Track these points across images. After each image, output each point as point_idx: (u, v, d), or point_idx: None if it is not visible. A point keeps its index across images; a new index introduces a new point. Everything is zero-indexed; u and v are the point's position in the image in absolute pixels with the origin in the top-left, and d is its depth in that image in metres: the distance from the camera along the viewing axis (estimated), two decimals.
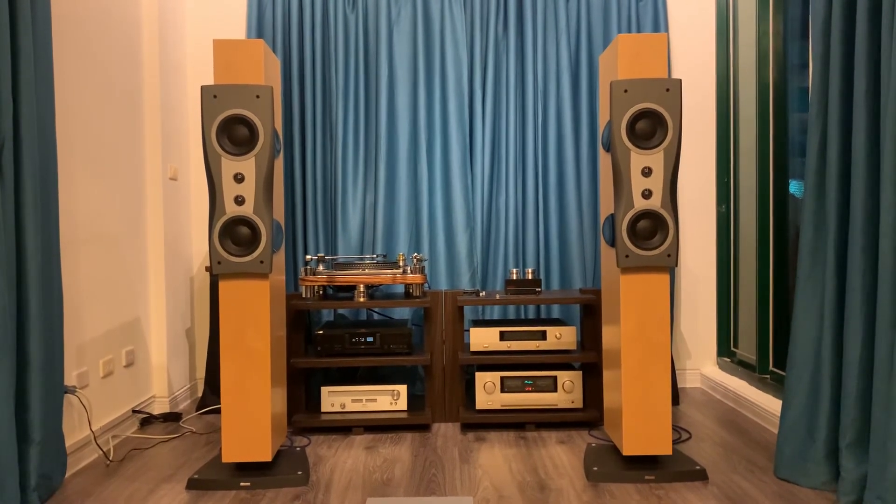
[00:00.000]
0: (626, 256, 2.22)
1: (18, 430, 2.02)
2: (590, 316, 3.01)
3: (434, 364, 3.00)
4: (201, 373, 3.56)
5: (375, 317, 3.40)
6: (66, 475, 2.36)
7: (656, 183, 2.20)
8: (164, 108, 3.20)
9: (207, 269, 3.42)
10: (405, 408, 2.95)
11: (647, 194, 2.20)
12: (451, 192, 3.45)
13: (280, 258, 2.45)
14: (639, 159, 2.20)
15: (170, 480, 2.36)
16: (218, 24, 3.57)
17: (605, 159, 2.41)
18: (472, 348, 2.96)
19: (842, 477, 2.04)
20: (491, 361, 2.92)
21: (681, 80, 2.19)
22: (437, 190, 3.46)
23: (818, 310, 2.22)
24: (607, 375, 2.50)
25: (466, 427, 2.94)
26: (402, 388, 2.95)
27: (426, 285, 3.14)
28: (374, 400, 2.94)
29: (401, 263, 3.02)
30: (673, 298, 3.54)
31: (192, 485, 2.28)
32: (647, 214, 2.21)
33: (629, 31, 3.47)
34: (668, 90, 2.18)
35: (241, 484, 2.27)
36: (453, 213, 3.45)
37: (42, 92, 2.14)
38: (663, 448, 2.29)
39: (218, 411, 3.17)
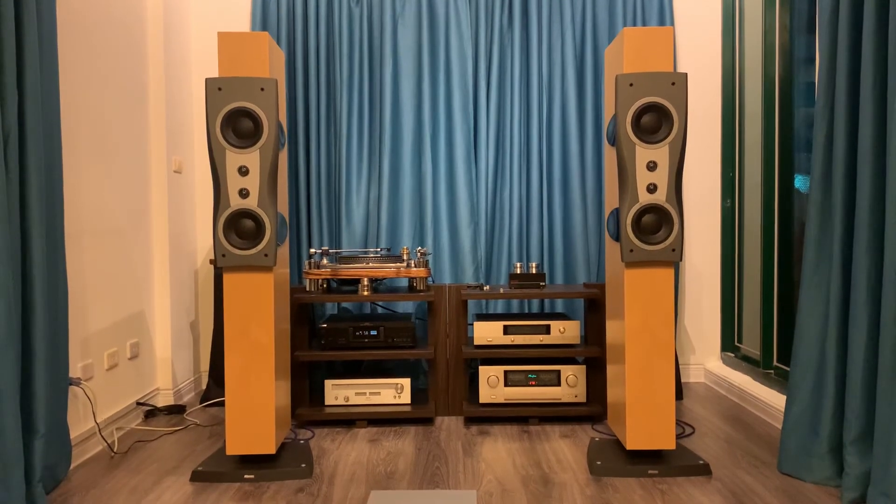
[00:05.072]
0: (631, 251, 2.22)
1: (24, 422, 2.03)
2: (594, 310, 3.01)
3: (438, 358, 3.00)
4: (205, 365, 3.57)
5: (379, 310, 3.41)
6: (71, 467, 2.37)
7: (661, 177, 2.19)
8: (168, 101, 3.20)
9: (212, 261, 3.42)
10: (409, 401, 2.95)
11: (651, 189, 2.20)
12: (456, 186, 3.45)
13: (284, 251, 2.45)
14: (644, 153, 2.19)
15: (174, 472, 2.37)
16: (222, 16, 3.57)
17: (609, 153, 2.40)
18: (476, 342, 2.96)
19: (846, 473, 2.03)
20: (494, 355, 2.92)
21: (686, 74, 2.18)
22: (441, 184, 3.45)
23: (823, 305, 2.21)
24: (611, 370, 2.50)
25: (470, 421, 2.95)
26: (406, 382, 2.96)
27: (430, 279, 3.14)
28: (378, 393, 2.95)
29: (405, 257, 3.01)
30: (677, 293, 3.54)
31: (197, 477, 2.29)
32: (651, 209, 2.21)
33: (634, 24, 3.45)
34: (673, 84, 2.17)
35: (245, 476, 2.28)
36: (457, 207, 3.44)
37: (47, 84, 2.14)
38: (667, 443, 2.29)
39: (222, 404, 3.18)
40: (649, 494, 2.13)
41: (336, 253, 3.23)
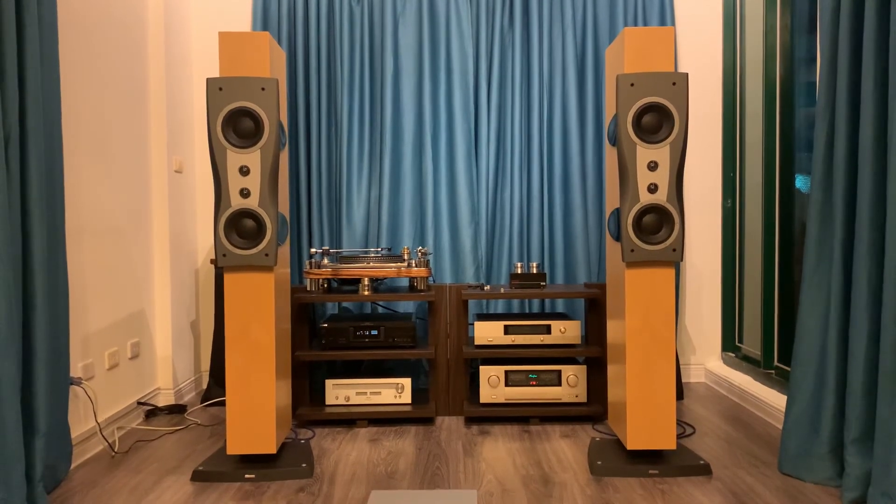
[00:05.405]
0: (632, 251, 2.22)
1: (24, 422, 2.03)
2: (594, 310, 3.01)
3: (438, 357, 3.00)
4: (206, 365, 3.57)
5: (380, 310, 3.41)
6: (72, 466, 2.38)
7: (662, 177, 2.19)
8: (169, 101, 3.20)
9: (212, 261, 3.42)
10: (409, 401, 2.95)
11: (652, 188, 2.20)
12: (456, 185, 3.44)
13: (285, 251, 2.45)
14: (645, 153, 2.19)
15: (175, 472, 2.37)
16: (223, 16, 3.57)
17: (610, 153, 2.40)
18: (477, 342, 2.96)
19: (846, 473, 2.03)
20: (495, 355, 2.92)
21: (687, 74, 2.18)
22: (441, 183, 3.45)
23: (824, 305, 2.21)
24: (612, 370, 2.50)
25: (470, 421, 2.95)
26: (407, 382, 2.96)
27: (431, 279, 3.14)
28: (379, 393, 2.95)
29: (405, 257, 3.01)
30: (678, 293, 3.54)
31: (197, 476, 2.29)
32: (652, 209, 2.21)
33: (635, 24, 3.45)
34: (674, 84, 2.17)
35: (246, 476, 2.28)
36: (458, 206, 3.44)
37: (48, 84, 2.14)
38: (667, 443, 2.28)
39: (223, 403, 3.18)
40: (650, 494, 2.13)
41: (337, 253, 3.23)
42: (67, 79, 2.45)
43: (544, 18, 3.44)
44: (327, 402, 2.94)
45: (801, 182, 3.05)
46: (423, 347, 2.98)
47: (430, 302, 3.01)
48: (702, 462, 2.31)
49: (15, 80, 1.94)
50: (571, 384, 2.92)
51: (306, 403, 2.97)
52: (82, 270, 2.55)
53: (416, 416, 2.90)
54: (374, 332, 2.94)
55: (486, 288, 3.04)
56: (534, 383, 2.92)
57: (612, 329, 2.49)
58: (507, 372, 2.92)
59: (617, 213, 2.29)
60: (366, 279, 2.96)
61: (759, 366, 3.25)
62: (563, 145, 3.47)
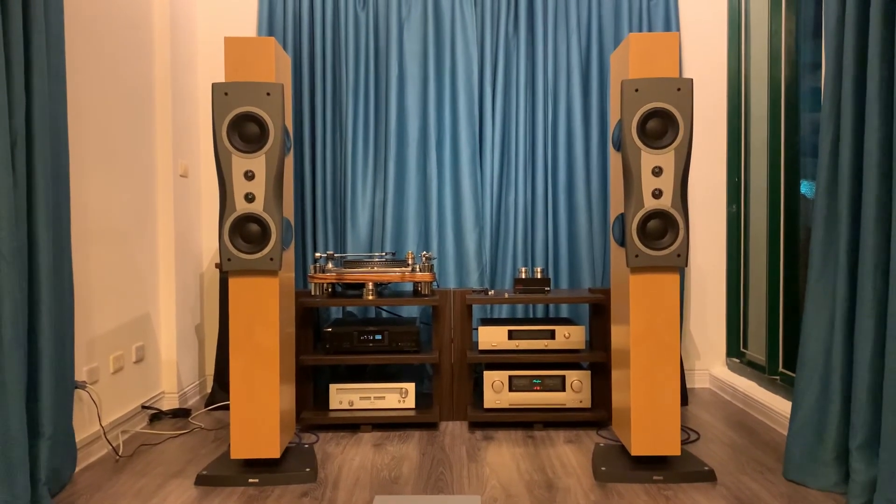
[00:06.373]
0: (636, 256, 2.22)
1: (29, 425, 2.03)
2: (598, 315, 3.01)
3: (442, 362, 3.00)
4: (210, 369, 3.58)
5: (384, 315, 3.41)
6: (76, 469, 2.38)
7: (667, 182, 2.19)
8: (175, 106, 3.21)
9: (217, 265, 3.43)
10: (413, 406, 2.95)
11: (657, 194, 2.19)
12: (461, 190, 3.45)
13: (289, 255, 2.45)
14: (649, 159, 2.19)
15: (178, 476, 2.37)
16: (229, 21, 3.58)
17: (615, 158, 2.40)
18: (481, 347, 2.95)
19: (851, 479, 2.02)
20: (499, 360, 2.92)
21: (692, 80, 2.18)
22: (446, 188, 3.46)
23: (829, 311, 2.20)
24: (616, 375, 2.50)
25: (474, 426, 2.94)
26: (411, 386, 2.96)
27: (435, 283, 3.14)
28: (382, 398, 2.95)
29: (410, 261, 3.02)
30: (682, 298, 3.53)
31: (201, 481, 2.29)
32: (657, 214, 2.21)
33: (640, 30, 3.45)
34: (679, 89, 2.17)
35: (250, 480, 2.28)
36: (462, 211, 3.44)
37: (54, 88, 2.15)
38: (672, 448, 2.28)
39: (227, 407, 3.19)
40: (654, 500, 2.12)
41: (341, 257, 3.24)
42: (74, 83, 2.46)
43: (549, 23, 3.45)
44: (331, 407, 2.94)
45: (806, 187, 3.04)
46: (427, 352, 2.98)
47: (434, 306, 3.01)
48: (706, 468, 2.30)
49: (21, 83, 1.95)
50: (575, 389, 2.91)
51: (310, 408, 2.97)
52: (87, 274, 2.56)
53: (420, 421, 2.90)
54: (379, 337, 2.94)
55: (490, 292, 3.04)
56: (538, 388, 2.92)
57: (617, 334, 2.48)
58: (511, 377, 2.91)
59: (621, 219, 2.29)
60: (370, 284, 2.96)
61: (763, 371, 3.24)
62: (568, 150, 3.47)
